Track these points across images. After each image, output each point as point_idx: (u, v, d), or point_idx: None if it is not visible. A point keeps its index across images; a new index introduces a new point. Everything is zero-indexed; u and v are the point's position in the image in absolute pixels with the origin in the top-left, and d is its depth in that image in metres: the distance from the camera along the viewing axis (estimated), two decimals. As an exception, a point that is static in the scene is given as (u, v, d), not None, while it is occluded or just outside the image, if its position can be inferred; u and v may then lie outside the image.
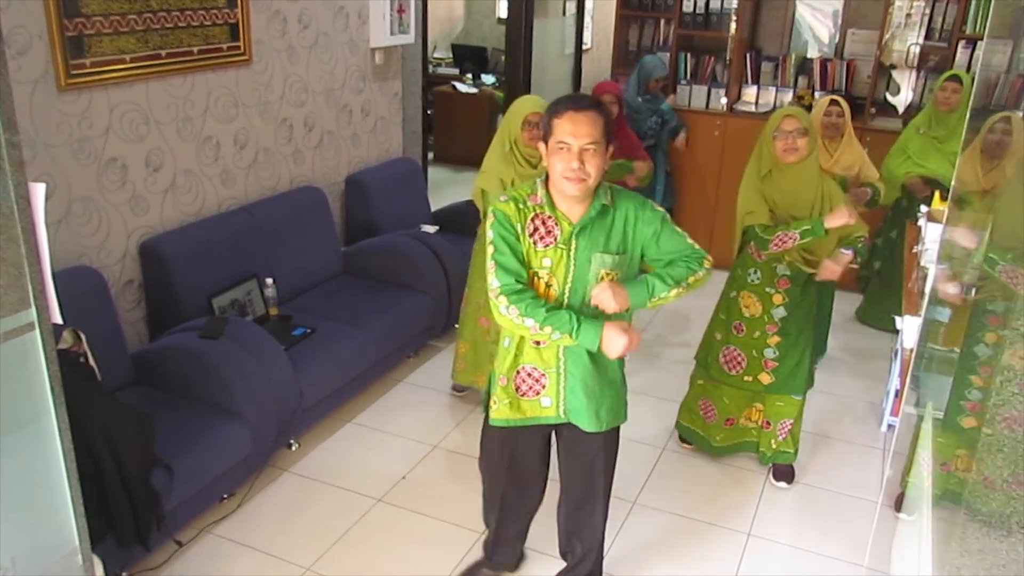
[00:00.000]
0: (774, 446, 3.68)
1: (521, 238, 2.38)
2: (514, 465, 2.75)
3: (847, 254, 3.32)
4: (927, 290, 3.44)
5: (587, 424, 2.56)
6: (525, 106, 3.64)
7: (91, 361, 2.96)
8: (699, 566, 3.22)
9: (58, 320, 1.69)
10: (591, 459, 2.69)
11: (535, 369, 2.52)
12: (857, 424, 4.23)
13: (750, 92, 5.98)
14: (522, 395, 2.56)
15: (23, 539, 1.78)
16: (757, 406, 3.69)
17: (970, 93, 4.49)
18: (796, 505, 3.60)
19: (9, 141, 1.53)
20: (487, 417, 2.68)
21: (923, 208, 4.16)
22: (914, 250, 3.99)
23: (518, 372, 2.54)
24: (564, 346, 2.46)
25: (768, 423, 3.67)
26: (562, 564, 3.01)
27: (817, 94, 5.77)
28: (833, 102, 4.12)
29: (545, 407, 2.56)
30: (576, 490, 2.79)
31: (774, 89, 5.91)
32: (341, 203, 5.01)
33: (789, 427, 3.64)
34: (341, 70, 4.80)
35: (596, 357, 2.48)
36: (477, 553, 3.18)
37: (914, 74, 5.63)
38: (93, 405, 2.75)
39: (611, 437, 2.70)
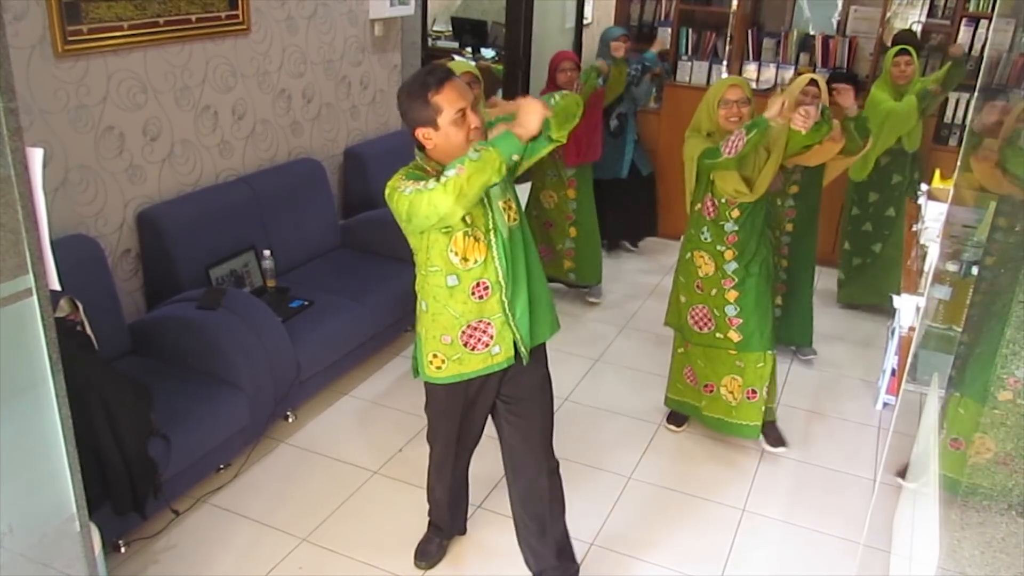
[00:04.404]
0: (763, 410, 3.69)
1: None
2: (463, 423, 2.77)
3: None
4: (927, 268, 3.45)
5: (536, 339, 2.62)
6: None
7: (88, 330, 2.96)
8: (694, 541, 3.24)
9: (56, 286, 1.68)
10: (539, 384, 2.73)
11: (480, 321, 2.52)
12: (852, 402, 4.24)
13: (751, 69, 5.94)
14: (471, 349, 2.55)
15: (21, 505, 1.79)
16: (736, 378, 3.67)
17: (919, 64, 4.67)
18: (791, 481, 3.62)
19: (6, 107, 1.52)
20: (424, 378, 2.65)
21: (923, 186, 4.15)
22: (914, 228, 3.99)
23: (463, 331, 2.53)
24: (506, 292, 2.48)
25: (754, 391, 3.65)
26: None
27: (818, 71, 5.74)
28: (812, 81, 4.12)
29: (496, 355, 2.57)
30: (535, 440, 2.77)
31: (775, 66, 5.88)
32: (339, 176, 4.99)
33: (767, 387, 3.67)
34: (340, 41, 4.76)
35: (531, 280, 2.54)
36: (474, 527, 3.21)
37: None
38: (90, 374, 2.75)
39: (544, 357, 2.74)
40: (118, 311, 3.44)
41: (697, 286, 3.62)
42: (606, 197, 5.37)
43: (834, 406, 4.19)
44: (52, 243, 1.68)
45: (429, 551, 3.07)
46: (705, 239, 3.53)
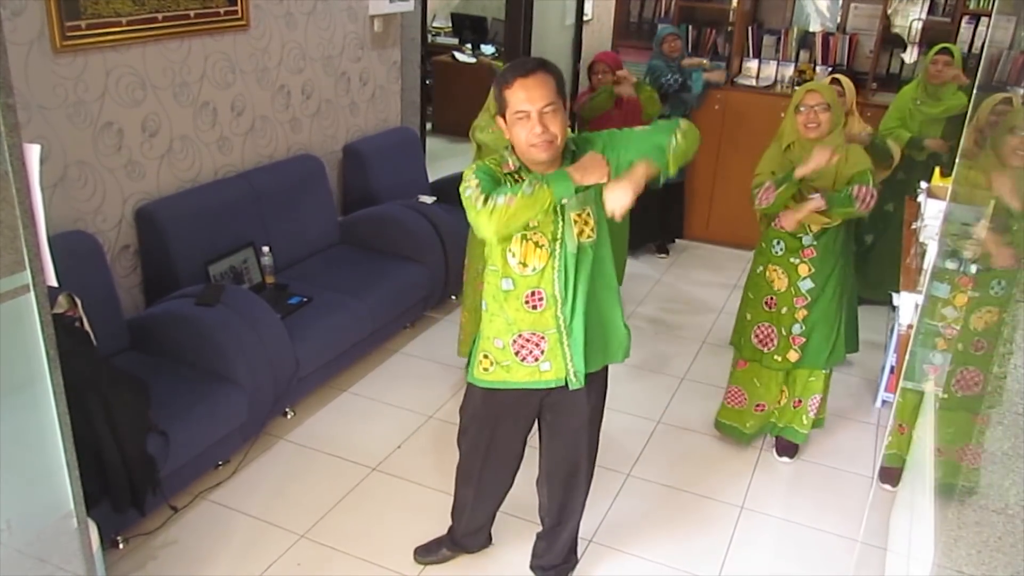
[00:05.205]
0: (805, 421, 3.66)
1: None
2: (496, 433, 2.69)
3: (814, 198, 3.20)
4: (926, 266, 3.44)
5: (592, 366, 2.52)
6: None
7: (87, 326, 2.95)
8: (692, 539, 3.24)
9: (53, 283, 1.68)
10: (584, 418, 2.64)
11: (533, 334, 2.46)
12: (851, 399, 4.24)
13: (751, 66, 5.94)
14: (521, 360, 2.49)
15: (18, 502, 1.79)
16: (784, 390, 3.66)
17: (960, 66, 4.56)
18: (790, 479, 3.62)
19: (4, 103, 1.52)
20: (472, 379, 2.60)
21: (923, 184, 4.14)
22: (913, 226, 3.98)
23: (515, 339, 2.48)
24: (562, 307, 2.40)
25: (799, 400, 3.64)
26: (523, 536, 2.99)
27: (819, 68, 5.74)
28: (834, 80, 4.06)
29: (545, 371, 2.49)
30: (565, 461, 2.74)
31: (775, 63, 5.87)
32: (338, 172, 4.98)
33: (819, 402, 3.63)
34: (340, 37, 4.75)
35: (594, 302, 2.46)
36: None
37: (915, 49, 5.59)
38: (89, 370, 2.75)
39: (600, 387, 2.66)
40: (116, 307, 3.44)
41: (766, 303, 3.53)
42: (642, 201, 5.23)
43: (834, 403, 4.17)
44: (50, 239, 1.68)
45: (431, 550, 3.05)
46: (777, 252, 3.44)
